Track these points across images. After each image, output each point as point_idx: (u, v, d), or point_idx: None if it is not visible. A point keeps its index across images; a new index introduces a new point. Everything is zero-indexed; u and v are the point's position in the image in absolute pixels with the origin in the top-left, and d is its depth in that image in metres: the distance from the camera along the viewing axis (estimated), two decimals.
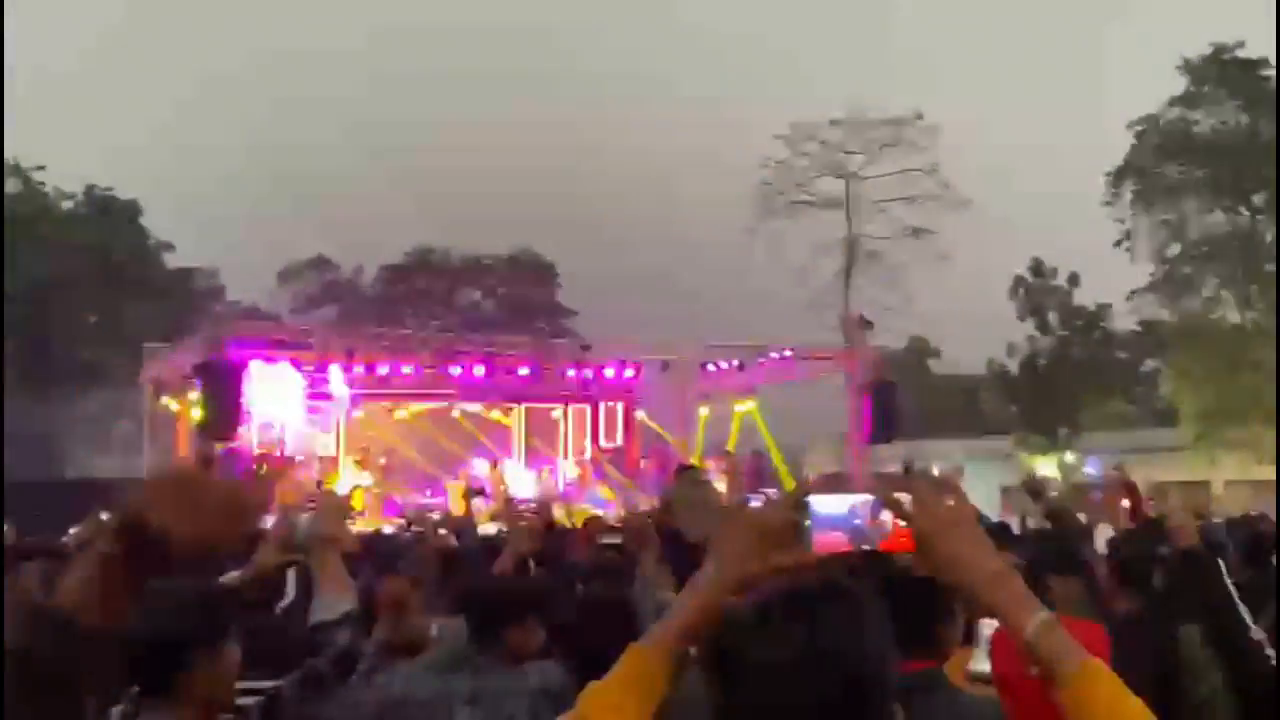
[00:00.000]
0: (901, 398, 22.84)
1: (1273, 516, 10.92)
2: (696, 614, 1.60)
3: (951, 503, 1.60)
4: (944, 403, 47.20)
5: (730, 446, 22.79)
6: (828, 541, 1.60)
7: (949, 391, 49.09)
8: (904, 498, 1.59)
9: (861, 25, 54.51)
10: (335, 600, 2.67)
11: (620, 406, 24.40)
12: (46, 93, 57.00)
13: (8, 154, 37.19)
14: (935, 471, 19.52)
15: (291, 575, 5.34)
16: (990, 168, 43.83)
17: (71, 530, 9.92)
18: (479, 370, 21.12)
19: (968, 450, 30.59)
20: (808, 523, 1.60)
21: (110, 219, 38.64)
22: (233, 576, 3.89)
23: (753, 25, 59.81)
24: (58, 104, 54.33)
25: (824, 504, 1.62)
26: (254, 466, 19.04)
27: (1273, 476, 25.70)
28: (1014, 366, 38.17)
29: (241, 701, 2.45)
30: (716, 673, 1.53)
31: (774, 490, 8.07)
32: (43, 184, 38.01)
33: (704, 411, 23.47)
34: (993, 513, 15.46)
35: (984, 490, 26.87)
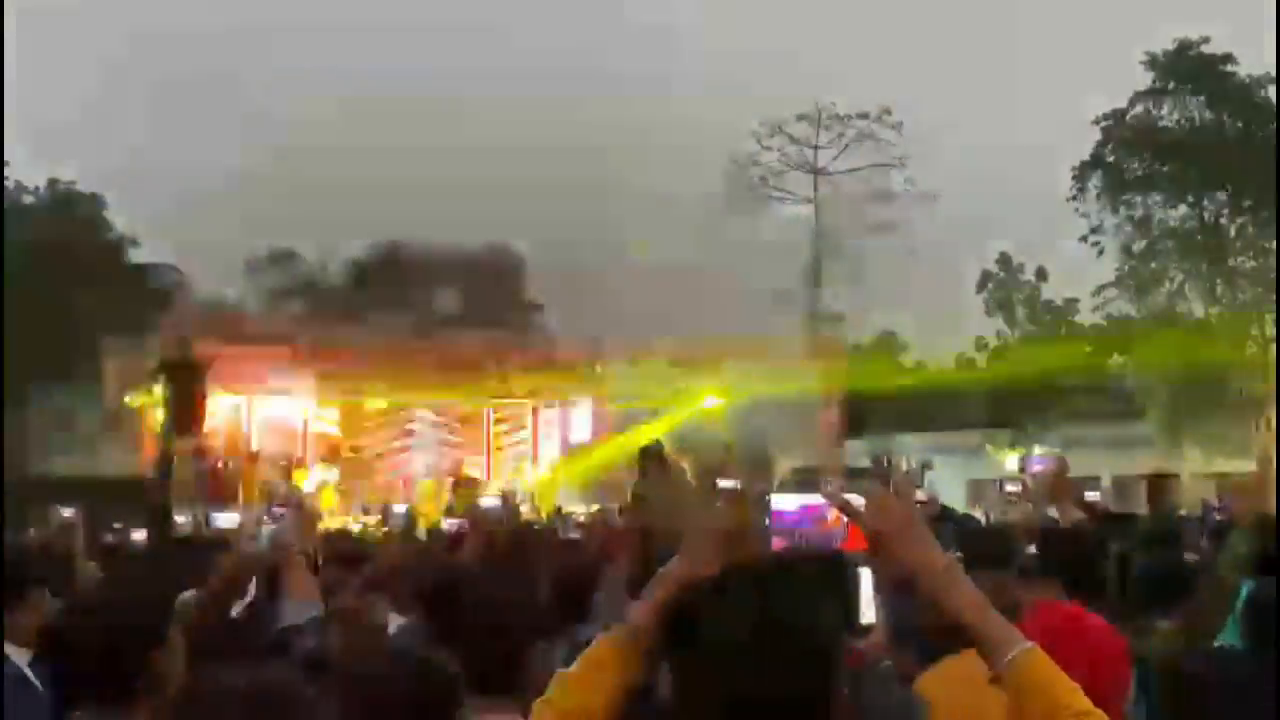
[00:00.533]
0: (870, 394, 22.88)
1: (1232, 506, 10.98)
2: (661, 606, 1.69)
3: (899, 504, 1.70)
4: (913, 397, 47.38)
5: (699, 442, 22.76)
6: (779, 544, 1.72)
7: (918, 386, 49.28)
8: (855, 499, 1.68)
9: (828, 20, 54.63)
10: (303, 605, 2.75)
11: (589, 402, 24.33)
12: (7, 82, 56.13)
13: None
14: (904, 467, 19.64)
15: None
16: (958, 162, 44.02)
17: (31, 531, 9.73)
18: (447, 365, 21.05)
19: (937, 444, 30.75)
20: (767, 522, 1.70)
21: (72, 213, 38.18)
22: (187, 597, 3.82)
23: (719, 20, 59.82)
24: (18, 95, 53.50)
25: (780, 503, 1.73)
26: (219, 464, 18.88)
27: (1237, 469, 26.04)
28: (982, 360, 38.41)
29: None
30: (673, 650, 1.57)
31: (734, 482, 8.11)
32: (3, 178, 37.49)
33: (672, 408, 23.47)
34: (960, 506, 15.54)
35: (953, 484, 27.01)
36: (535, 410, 24.18)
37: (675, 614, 1.59)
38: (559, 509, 15.82)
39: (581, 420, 24.29)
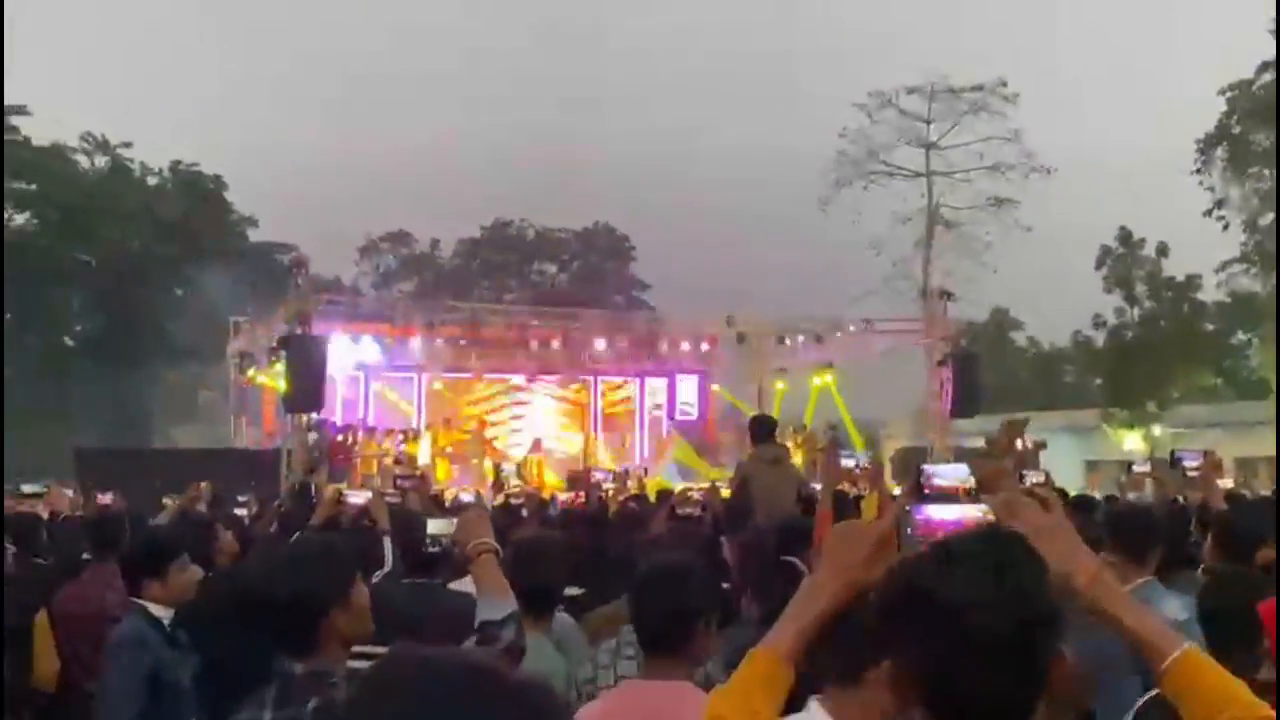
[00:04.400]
0: (984, 371, 22.43)
1: None
2: (813, 621, 1.73)
3: (1045, 509, 1.71)
4: (1027, 376, 46.41)
5: (807, 420, 22.65)
6: None
7: (1032, 364, 48.25)
8: (1001, 502, 1.71)
9: None
10: (499, 602, 2.83)
11: (696, 379, 24.36)
12: (133, 70, 58.30)
13: (96, 130, 38.16)
14: (1020, 445, 19.23)
15: (389, 545, 5.42)
16: (1075, 135, 42.74)
17: (165, 500, 10.14)
18: (554, 343, 21.27)
19: (1051, 424, 30.05)
20: (909, 530, 1.69)
21: (195, 194, 39.45)
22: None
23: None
24: (143, 80, 55.50)
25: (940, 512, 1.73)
26: (338, 437, 19.41)
27: None
28: (1100, 339, 37.37)
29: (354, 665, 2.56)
30: (902, 617, 1.52)
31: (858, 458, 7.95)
32: (130, 160, 38.86)
33: (780, 385, 23.37)
34: (1075, 487, 15.19)
35: (1068, 464, 26.41)
36: (642, 386, 24.32)
37: (905, 582, 1.54)
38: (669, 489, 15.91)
39: (688, 396, 24.36)
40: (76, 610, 5.22)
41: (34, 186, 36.97)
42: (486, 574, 2.90)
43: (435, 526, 3.83)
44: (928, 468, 2.14)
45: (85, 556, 5.99)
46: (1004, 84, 35.88)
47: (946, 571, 1.49)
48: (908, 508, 1.73)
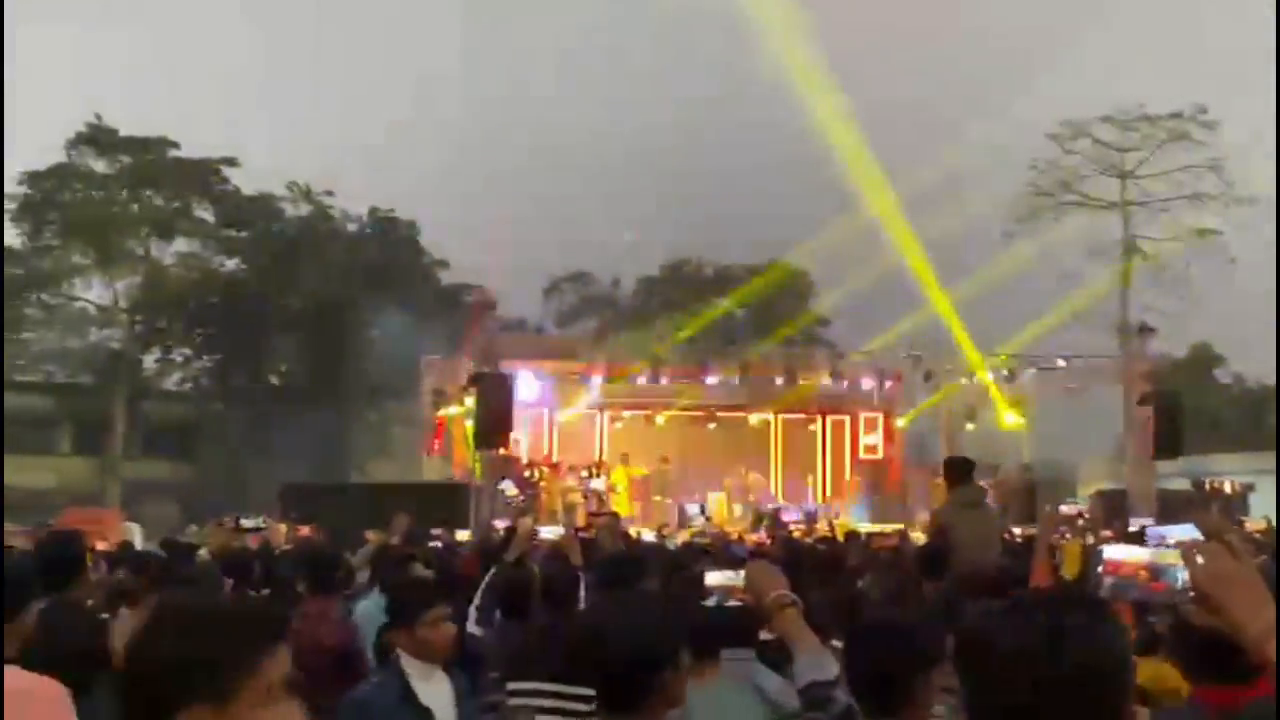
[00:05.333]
0: (1186, 410, 21.32)
1: None
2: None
3: (1232, 559, 1.69)
4: (1231, 415, 43.86)
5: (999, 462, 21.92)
6: None
7: (1236, 403, 45.58)
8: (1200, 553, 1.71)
9: (1134, 16, 51.36)
10: (821, 660, 2.71)
11: (880, 417, 23.91)
12: (330, 118, 61.55)
13: (300, 179, 40.42)
14: (1227, 488, 18.16)
15: (582, 582, 5.47)
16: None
17: (368, 534, 10.54)
18: (734, 379, 21.27)
19: (1256, 466, 28.24)
20: (1098, 569, 1.78)
21: (391, 239, 41.29)
22: None
23: (1018, 18, 57.37)
24: (344, 131, 58.56)
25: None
26: (524, 473, 19.89)
27: None
28: None
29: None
30: (967, 664, 1.64)
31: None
32: (331, 208, 41.01)
33: (970, 425, 22.69)
34: None
35: (1274, 509, 24.77)
36: (824, 423, 24.00)
37: (973, 630, 1.65)
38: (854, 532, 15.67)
39: (872, 434, 23.92)
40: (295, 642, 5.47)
41: (244, 234, 39.42)
42: (798, 630, 2.76)
43: (716, 579, 3.58)
44: (1154, 531, 2.14)
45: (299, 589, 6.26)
46: (1203, 110, 34.35)
47: (1009, 624, 1.59)
48: (1100, 548, 1.80)
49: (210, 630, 1.59)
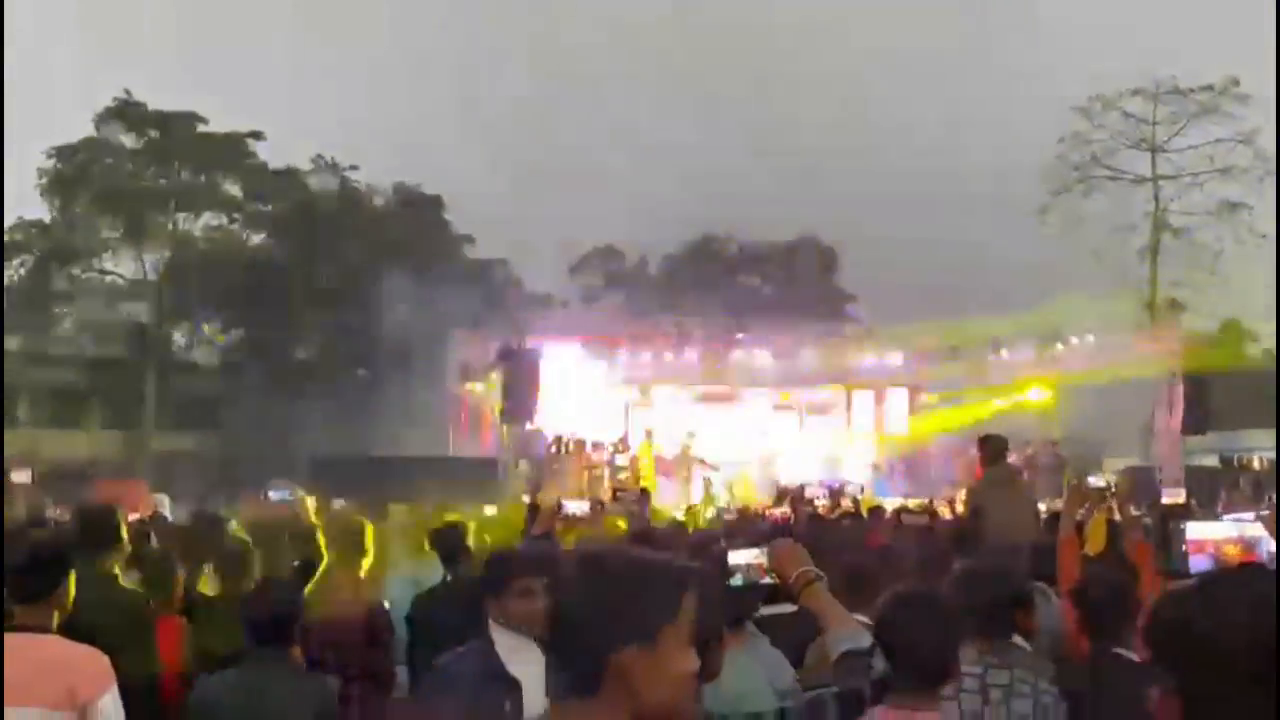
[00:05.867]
0: (1215, 386, 21.16)
1: None
2: None
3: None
4: (1261, 390, 43.36)
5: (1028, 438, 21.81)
6: None
7: (1267, 378, 45.06)
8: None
9: None
10: (853, 631, 2.79)
11: (904, 393, 23.83)
12: (355, 93, 61.62)
13: (325, 153, 40.52)
14: (1256, 464, 18.02)
15: None
16: None
17: (391, 506, 10.63)
18: (760, 356, 21.28)
19: None
20: (1182, 547, 1.76)
21: (416, 214, 41.36)
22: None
23: None
24: (368, 103, 58.67)
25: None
26: (550, 448, 19.97)
27: None
28: None
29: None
30: (1165, 647, 1.62)
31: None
32: (356, 183, 41.13)
33: (997, 402, 22.57)
34: None
35: None
36: (849, 398, 23.93)
37: (1168, 615, 1.62)
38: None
39: (898, 409, 23.84)
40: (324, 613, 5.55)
41: (270, 208, 39.60)
42: (826, 604, 2.86)
43: (739, 556, 3.49)
44: (1194, 535, 2.11)
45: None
46: (1236, 83, 33.84)
47: (1203, 604, 1.57)
48: (1181, 525, 1.79)
49: (640, 581, 1.77)
